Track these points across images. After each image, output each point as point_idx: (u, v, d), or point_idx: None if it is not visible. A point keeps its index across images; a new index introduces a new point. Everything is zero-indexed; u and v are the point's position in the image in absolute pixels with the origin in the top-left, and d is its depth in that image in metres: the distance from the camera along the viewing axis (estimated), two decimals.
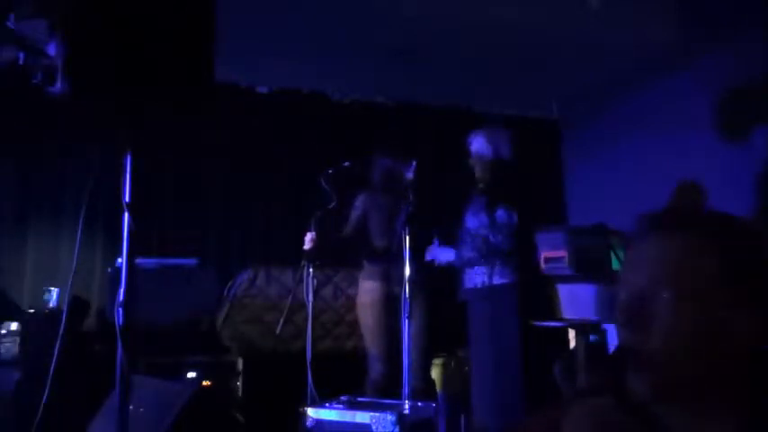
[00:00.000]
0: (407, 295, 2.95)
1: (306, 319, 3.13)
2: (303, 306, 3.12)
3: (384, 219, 3.47)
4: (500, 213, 3.18)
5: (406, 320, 2.92)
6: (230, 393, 3.80)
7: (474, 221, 3.28)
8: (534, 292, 3.10)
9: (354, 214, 3.50)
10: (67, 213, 4.51)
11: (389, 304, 3.39)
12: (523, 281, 3.11)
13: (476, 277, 3.20)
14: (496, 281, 3.12)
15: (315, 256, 3.20)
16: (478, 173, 3.31)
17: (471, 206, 3.34)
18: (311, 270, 3.12)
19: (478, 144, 3.31)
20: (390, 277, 3.38)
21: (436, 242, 3.33)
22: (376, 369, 3.38)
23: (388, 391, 3.24)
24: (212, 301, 4.41)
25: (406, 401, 2.79)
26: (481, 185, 3.30)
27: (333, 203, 3.46)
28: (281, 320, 3.42)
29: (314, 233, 3.27)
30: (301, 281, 3.15)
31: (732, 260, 0.77)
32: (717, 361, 0.74)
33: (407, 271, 2.99)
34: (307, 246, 3.26)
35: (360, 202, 3.53)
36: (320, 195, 3.46)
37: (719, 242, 0.78)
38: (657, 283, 0.78)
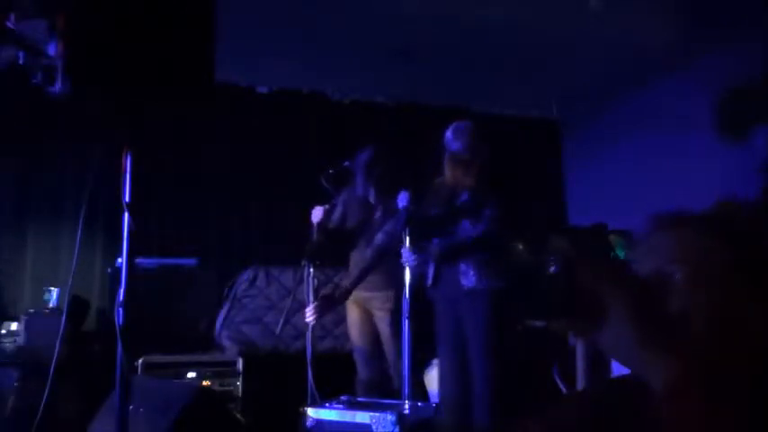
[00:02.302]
0: (407, 296, 2.94)
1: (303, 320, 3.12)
2: (303, 306, 3.12)
3: (355, 213, 3.46)
4: (488, 212, 3.10)
5: (406, 321, 2.91)
6: (230, 393, 3.80)
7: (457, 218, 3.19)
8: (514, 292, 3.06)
9: (338, 211, 3.49)
10: (67, 213, 4.51)
11: (361, 301, 3.37)
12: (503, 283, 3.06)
13: (457, 276, 3.13)
14: (474, 281, 3.07)
15: (318, 250, 3.17)
16: (465, 170, 3.12)
17: (465, 202, 3.22)
18: (311, 270, 3.11)
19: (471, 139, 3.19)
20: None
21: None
22: (360, 368, 3.40)
23: (379, 389, 3.24)
24: (212, 301, 4.42)
25: (406, 401, 2.79)
26: (471, 182, 3.19)
27: (333, 203, 3.45)
28: (281, 321, 3.41)
29: (323, 207, 3.27)
30: (302, 281, 3.13)
31: (747, 252, 0.77)
32: (724, 351, 0.74)
33: (407, 273, 2.98)
34: (315, 219, 3.26)
35: (341, 198, 3.51)
36: (320, 195, 3.46)
37: (735, 235, 0.78)
38: (670, 269, 0.78)
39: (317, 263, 3.13)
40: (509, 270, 3.07)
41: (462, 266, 3.07)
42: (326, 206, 3.32)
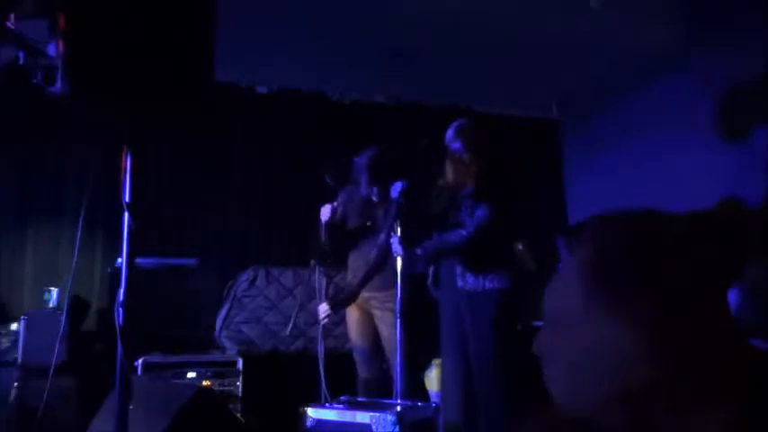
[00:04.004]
0: (399, 293, 2.93)
1: (306, 320, 3.12)
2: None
3: (357, 212, 3.46)
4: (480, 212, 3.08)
5: (398, 320, 2.90)
6: (230, 393, 3.80)
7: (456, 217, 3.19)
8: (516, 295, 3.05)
9: (338, 211, 3.49)
10: (67, 213, 4.51)
11: (361, 301, 3.35)
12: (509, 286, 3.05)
13: (454, 278, 3.14)
14: (475, 282, 3.06)
15: (327, 249, 3.17)
16: (465, 170, 3.10)
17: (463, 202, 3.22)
18: (321, 269, 3.11)
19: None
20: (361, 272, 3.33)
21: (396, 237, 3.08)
22: (360, 368, 3.40)
23: (380, 389, 3.23)
24: (212, 301, 4.42)
25: (399, 401, 2.79)
26: (471, 182, 3.12)
27: (337, 200, 3.45)
28: (292, 321, 3.40)
29: (331, 205, 3.26)
30: (311, 280, 3.13)
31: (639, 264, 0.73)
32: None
33: (399, 267, 2.98)
34: (323, 217, 3.25)
35: (340, 198, 3.51)
36: (320, 195, 3.46)
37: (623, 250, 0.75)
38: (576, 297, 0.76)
39: (328, 261, 3.12)
40: (508, 270, 3.07)
41: (458, 268, 3.07)
42: (334, 204, 3.32)
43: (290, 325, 3.52)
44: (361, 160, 3.34)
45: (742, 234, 0.80)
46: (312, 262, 3.13)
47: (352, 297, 3.26)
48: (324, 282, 3.10)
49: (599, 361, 0.71)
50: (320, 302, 3.08)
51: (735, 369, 0.70)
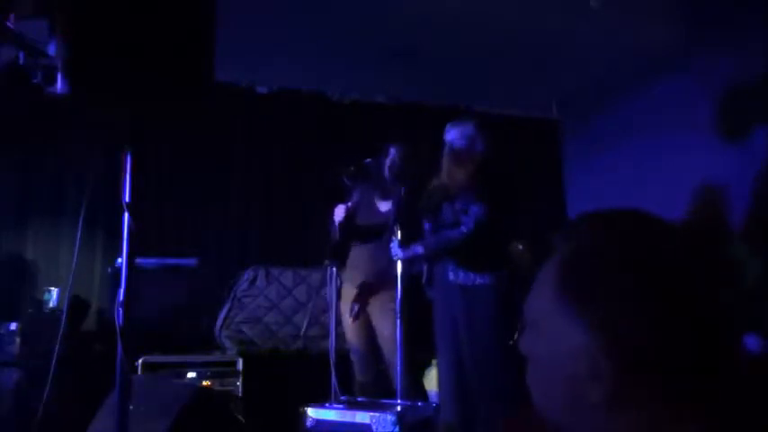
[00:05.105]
0: (399, 294, 2.93)
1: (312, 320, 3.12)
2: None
3: (368, 211, 3.45)
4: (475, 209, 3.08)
5: (398, 320, 2.90)
6: (230, 393, 3.80)
7: (450, 215, 3.19)
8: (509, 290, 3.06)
9: (352, 210, 3.49)
10: (67, 213, 4.51)
11: (358, 299, 3.35)
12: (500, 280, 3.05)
13: (446, 273, 3.14)
14: (468, 278, 3.06)
15: (341, 249, 3.18)
16: (463, 167, 3.11)
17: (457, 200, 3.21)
18: (335, 269, 3.11)
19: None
20: (362, 271, 3.33)
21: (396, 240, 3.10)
22: (356, 369, 3.39)
23: (377, 391, 3.23)
24: (212, 301, 4.42)
25: (399, 401, 2.80)
26: (467, 180, 3.12)
27: (356, 201, 3.44)
28: (306, 321, 3.40)
29: (346, 205, 3.26)
30: (329, 283, 3.13)
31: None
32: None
33: (399, 267, 2.98)
34: (337, 218, 3.25)
35: (354, 197, 3.51)
36: (320, 195, 3.45)
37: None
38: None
39: (341, 262, 3.12)
40: (502, 268, 3.08)
41: (451, 264, 3.08)
42: (348, 204, 3.31)
43: (305, 325, 3.52)
44: (379, 160, 3.34)
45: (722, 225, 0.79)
46: (326, 262, 3.13)
47: (365, 295, 3.25)
48: (339, 282, 3.10)
49: (564, 364, 0.71)
50: (333, 303, 3.09)
51: (719, 372, 0.68)
